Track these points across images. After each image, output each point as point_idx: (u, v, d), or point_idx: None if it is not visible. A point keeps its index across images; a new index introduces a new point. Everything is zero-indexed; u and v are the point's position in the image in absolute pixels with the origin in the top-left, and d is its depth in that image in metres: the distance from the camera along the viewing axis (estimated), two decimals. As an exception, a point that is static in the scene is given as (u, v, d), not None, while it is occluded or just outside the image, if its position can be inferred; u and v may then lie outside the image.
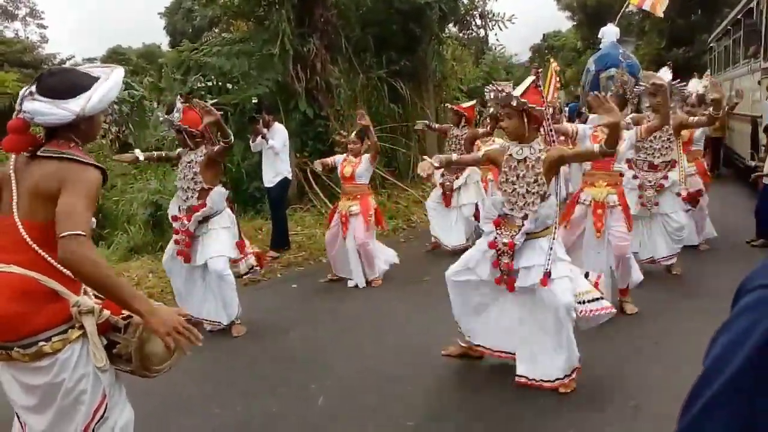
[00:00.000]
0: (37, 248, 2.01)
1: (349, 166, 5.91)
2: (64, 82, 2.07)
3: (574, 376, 3.42)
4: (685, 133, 5.90)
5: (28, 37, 31.40)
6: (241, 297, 4.78)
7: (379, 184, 10.31)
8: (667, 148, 5.31)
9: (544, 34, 44.12)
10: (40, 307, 2.00)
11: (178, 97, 4.83)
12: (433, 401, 3.48)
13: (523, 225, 3.42)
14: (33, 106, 2.02)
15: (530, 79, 3.51)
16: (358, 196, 5.93)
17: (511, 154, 3.48)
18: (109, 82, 2.12)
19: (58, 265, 2.01)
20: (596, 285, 3.62)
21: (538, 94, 3.44)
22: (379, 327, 4.77)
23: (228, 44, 9.84)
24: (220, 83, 9.96)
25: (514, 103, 3.33)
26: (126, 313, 2.13)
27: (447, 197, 6.96)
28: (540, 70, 3.64)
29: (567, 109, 14.02)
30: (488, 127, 6.96)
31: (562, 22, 41.78)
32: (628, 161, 5.38)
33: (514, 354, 3.59)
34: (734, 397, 0.58)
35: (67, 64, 27.03)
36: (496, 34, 12.36)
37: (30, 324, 1.99)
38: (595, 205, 4.59)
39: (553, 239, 3.47)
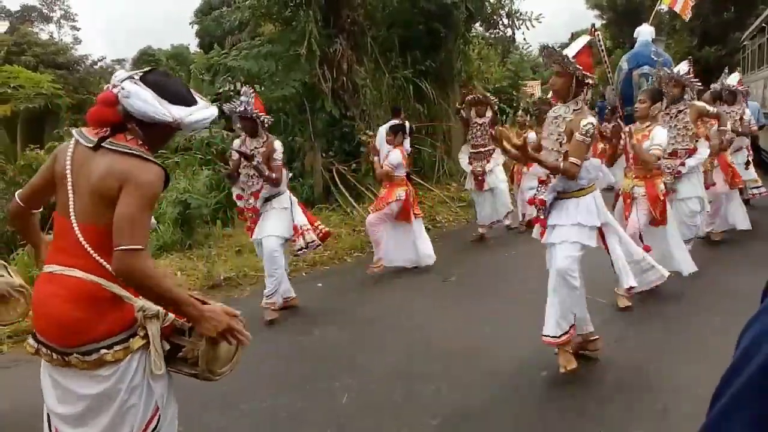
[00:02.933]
0: (94, 254, 1.93)
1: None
2: (175, 87, 2.06)
3: (563, 338, 3.52)
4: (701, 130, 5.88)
5: (61, 39, 32.18)
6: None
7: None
8: (683, 136, 5.36)
9: (572, 33, 43.63)
10: (103, 313, 1.94)
11: (244, 87, 5.28)
12: (458, 400, 3.48)
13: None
14: (135, 89, 1.95)
15: (585, 38, 3.64)
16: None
17: (552, 113, 3.68)
18: (207, 112, 2.11)
19: None
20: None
21: (590, 57, 3.60)
22: (404, 325, 4.78)
23: (255, 47, 9.95)
24: (247, 85, 10.07)
25: (567, 65, 3.43)
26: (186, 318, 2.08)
27: (479, 182, 7.42)
28: (597, 31, 3.71)
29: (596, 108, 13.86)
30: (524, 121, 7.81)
31: (591, 21, 41.25)
32: None
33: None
34: (755, 396, 0.58)
35: (99, 66, 27.62)
36: (523, 34, 12.25)
37: (92, 330, 1.92)
38: (624, 196, 5.06)
39: (587, 201, 3.57)
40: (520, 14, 12.00)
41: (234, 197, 5.42)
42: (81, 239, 1.94)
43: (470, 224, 8.64)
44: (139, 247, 1.84)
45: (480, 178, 7.39)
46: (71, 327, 1.91)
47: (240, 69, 9.54)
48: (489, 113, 7.38)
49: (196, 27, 25.28)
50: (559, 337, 3.53)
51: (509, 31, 12.43)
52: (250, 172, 5.02)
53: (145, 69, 2.11)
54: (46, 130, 15.40)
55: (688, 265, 5.06)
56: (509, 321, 4.60)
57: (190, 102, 2.06)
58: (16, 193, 2.22)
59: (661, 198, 4.88)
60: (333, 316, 5.16)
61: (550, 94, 4.78)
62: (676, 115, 5.38)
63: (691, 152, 5.37)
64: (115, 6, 79.18)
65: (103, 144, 1.96)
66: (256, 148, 4.94)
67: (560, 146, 3.53)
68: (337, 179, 9.65)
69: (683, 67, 5.39)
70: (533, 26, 11.98)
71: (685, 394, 3.29)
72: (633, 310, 4.67)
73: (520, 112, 7.90)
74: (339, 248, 7.53)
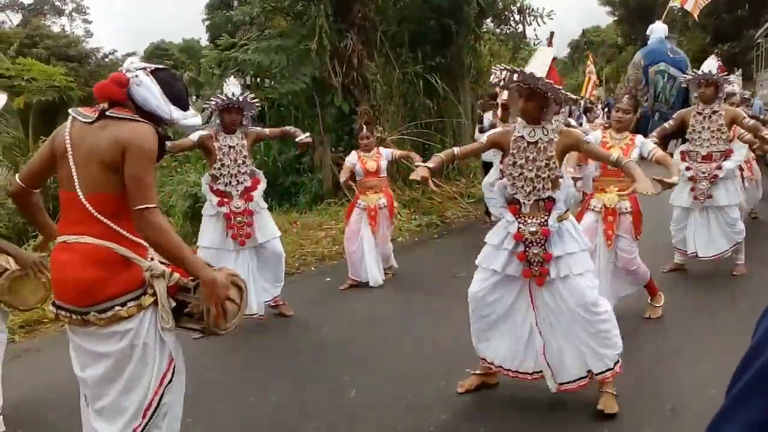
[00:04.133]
0: (105, 220, 2.12)
1: (372, 161, 5.88)
2: (179, 90, 2.30)
3: (616, 369, 3.22)
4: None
5: (73, 32, 32.36)
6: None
7: (414, 181, 10.31)
8: (717, 138, 5.15)
9: (583, 30, 43.41)
10: (115, 274, 2.13)
11: (231, 77, 4.89)
12: (467, 398, 3.48)
13: (545, 209, 3.18)
14: (147, 80, 2.18)
15: (549, 52, 3.31)
16: (383, 189, 5.94)
17: (522, 136, 3.21)
18: (196, 120, 2.38)
19: (128, 234, 2.16)
20: None
21: (556, 71, 3.25)
22: (412, 323, 4.78)
23: (266, 40, 9.96)
24: (258, 79, 10.10)
25: (541, 86, 3.04)
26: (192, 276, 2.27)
27: None
28: (554, 38, 3.52)
29: (608, 107, 13.77)
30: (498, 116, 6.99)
31: (602, 18, 41.00)
32: (682, 153, 5.35)
33: (540, 373, 3.35)
34: (765, 387, 0.58)
35: (110, 59, 27.75)
36: (534, 30, 12.17)
37: (106, 289, 2.12)
38: (605, 212, 4.34)
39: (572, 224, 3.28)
40: (532, 10, 11.95)
41: (213, 203, 4.65)
42: (89, 208, 2.11)
43: (479, 220, 8.64)
44: (152, 205, 2.09)
45: None
46: (88, 288, 2.11)
47: (251, 63, 9.56)
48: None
49: (207, 22, 25.38)
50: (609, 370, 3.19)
51: (520, 28, 12.38)
52: (242, 169, 4.63)
53: (159, 65, 2.31)
54: (58, 122, 15.44)
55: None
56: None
57: (186, 107, 2.29)
58: (16, 175, 2.39)
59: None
60: (341, 312, 5.17)
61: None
62: (710, 116, 5.12)
63: (727, 155, 5.20)
64: (128, 2, 79.40)
65: (105, 114, 2.15)
66: (231, 147, 4.57)
67: (548, 170, 3.15)
68: (346, 174, 9.65)
69: (712, 63, 5.11)
70: (544, 23, 11.92)
71: (694, 395, 3.28)
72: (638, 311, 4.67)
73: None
74: (348, 243, 7.54)
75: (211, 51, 12.29)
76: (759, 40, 14.52)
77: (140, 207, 2.06)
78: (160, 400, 2.24)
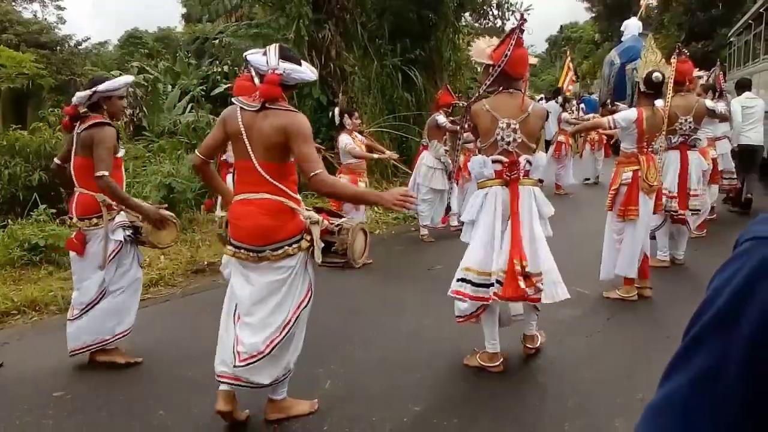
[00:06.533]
0: (275, 182, 2.81)
1: (363, 145, 6.07)
2: (294, 54, 2.97)
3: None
4: None
5: (45, 19, 31.50)
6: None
7: (391, 173, 10.29)
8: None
9: (561, 26, 43.71)
10: (285, 222, 2.84)
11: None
12: (442, 389, 3.50)
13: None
14: (286, 66, 2.81)
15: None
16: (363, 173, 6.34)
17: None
18: (309, 72, 2.96)
19: (290, 192, 2.86)
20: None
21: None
22: (389, 313, 4.79)
23: (243, 28, 9.85)
24: (236, 68, 9.98)
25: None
26: (336, 222, 3.09)
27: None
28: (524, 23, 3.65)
29: (583, 103, 13.89)
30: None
31: (580, 14, 41.33)
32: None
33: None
34: (711, 340, 0.59)
35: (83, 46, 27.14)
36: (513, 24, 12.22)
37: (279, 233, 2.82)
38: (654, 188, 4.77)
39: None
40: (510, 5, 12.00)
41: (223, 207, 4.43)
42: (262, 173, 2.80)
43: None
44: (320, 170, 2.80)
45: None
46: (265, 232, 2.81)
47: (228, 49, 9.45)
48: None
49: (183, 10, 24.99)
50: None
51: (499, 22, 12.43)
52: None
53: (280, 49, 2.87)
54: (29, 110, 15.16)
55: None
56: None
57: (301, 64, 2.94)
58: (196, 150, 3.12)
59: None
60: (316, 302, 5.13)
61: None
62: None
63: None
64: (101, -14, 77.65)
65: (268, 105, 2.80)
66: None
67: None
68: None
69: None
70: (525, 18, 11.96)
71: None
72: (612, 301, 4.73)
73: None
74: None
75: (189, 28, 12.14)
76: (732, 39, 14.77)
77: (313, 174, 2.76)
78: (296, 320, 2.91)
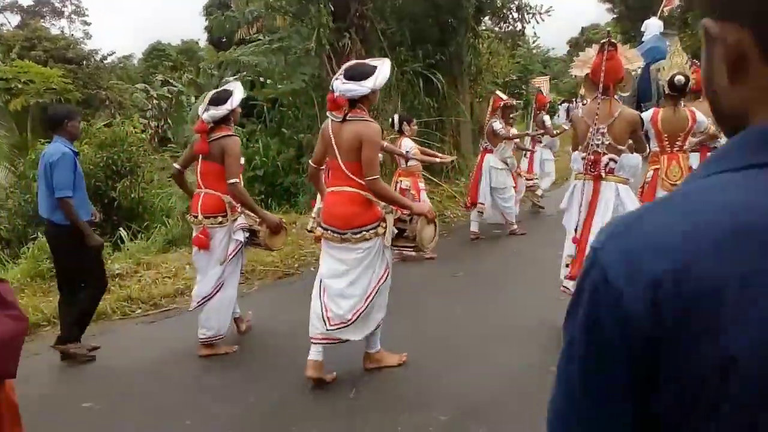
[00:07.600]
0: (355, 178, 3.42)
1: (417, 149, 6.83)
2: (358, 70, 3.45)
3: None
4: None
5: (72, 34, 32.23)
6: (273, 287, 4.85)
7: (444, 175, 10.34)
8: None
9: (582, 28, 43.32)
10: (365, 210, 3.46)
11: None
12: (467, 396, 3.46)
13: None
14: (344, 87, 3.36)
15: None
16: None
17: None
18: (385, 69, 3.45)
19: None
20: None
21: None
22: (414, 320, 4.76)
23: (265, 44, 9.94)
24: (257, 79, 10.08)
25: None
26: (408, 212, 3.72)
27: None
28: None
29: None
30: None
31: (602, 15, 40.93)
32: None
33: None
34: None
35: (109, 60, 27.70)
36: (533, 27, 12.13)
37: (359, 219, 3.44)
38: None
39: None
40: (530, 8, 11.91)
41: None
42: (346, 171, 3.44)
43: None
44: (376, 176, 3.38)
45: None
46: (349, 217, 3.44)
47: (249, 65, 9.54)
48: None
49: (206, 23, 25.30)
50: None
51: (519, 25, 12.34)
52: None
53: (345, 68, 3.49)
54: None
55: None
56: (517, 314, 4.58)
57: (370, 72, 3.40)
58: (310, 160, 3.83)
59: None
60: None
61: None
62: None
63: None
64: (126, 2, 79.31)
65: (347, 118, 3.41)
66: None
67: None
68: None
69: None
70: (543, 20, 11.88)
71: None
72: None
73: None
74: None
75: (211, 53, 12.31)
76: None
77: (370, 177, 3.36)
78: (377, 292, 3.52)
